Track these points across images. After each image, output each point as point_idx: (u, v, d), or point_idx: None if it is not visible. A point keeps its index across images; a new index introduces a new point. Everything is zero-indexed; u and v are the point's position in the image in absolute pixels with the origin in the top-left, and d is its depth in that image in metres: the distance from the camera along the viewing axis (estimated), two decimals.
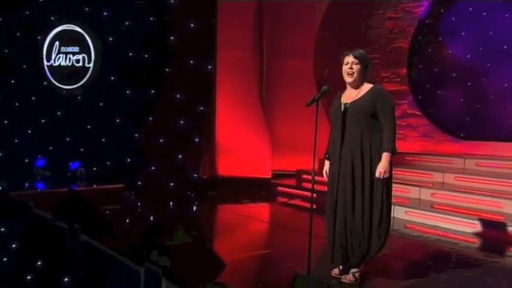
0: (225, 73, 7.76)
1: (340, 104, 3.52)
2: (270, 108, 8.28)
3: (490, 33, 7.77)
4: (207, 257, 3.55)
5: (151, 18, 7.21)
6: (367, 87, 3.49)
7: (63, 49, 7.57)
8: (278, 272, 3.90)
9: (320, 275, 3.41)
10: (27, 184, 7.39)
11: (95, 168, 7.59)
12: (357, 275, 3.47)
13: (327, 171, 3.69)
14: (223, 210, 6.87)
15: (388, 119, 3.38)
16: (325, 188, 7.08)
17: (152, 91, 7.23)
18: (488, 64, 7.77)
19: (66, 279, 3.74)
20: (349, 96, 3.51)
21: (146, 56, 7.26)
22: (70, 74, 7.61)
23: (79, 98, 7.57)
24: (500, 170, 6.26)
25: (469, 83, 8.01)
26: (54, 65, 7.61)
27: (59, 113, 7.64)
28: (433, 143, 7.96)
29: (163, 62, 7.27)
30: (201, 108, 7.50)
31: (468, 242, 4.76)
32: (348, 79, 3.50)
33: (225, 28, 7.73)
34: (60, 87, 7.64)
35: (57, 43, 7.58)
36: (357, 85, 3.50)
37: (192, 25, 7.36)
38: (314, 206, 5.55)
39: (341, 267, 3.54)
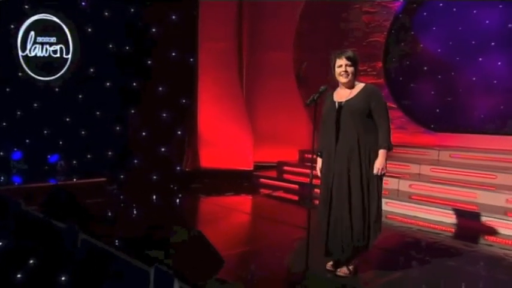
0: (206, 65, 7.72)
1: (334, 102, 3.59)
2: (250, 100, 8.29)
3: (460, 28, 8.01)
4: (206, 254, 3.59)
5: (132, 10, 7.06)
6: (359, 86, 3.59)
7: (39, 39, 7.30)
8: (269, 264, 3.98)
9: (315, 268, 3.54)
10: (2, 178, 7.19)
11: (74, 162, 7.43)
12: (351, 267, 3.59)
13: (320, 168, 3.76)
14: (206, 202, 6.87)
15: (383, 118, 3.49)
16: (307, 180, 7.25)
17: (134, 83, 7.12)
18: (458, 58, 8.02)
19: (63, 278, 3.70)
20: (342, 95, 3.59)
21: (127, 48, 7.12)
22: (47, 65, 7.36)
23: (56, 89, 7.35)
24: (472, 162, 6.54)
25: (439, 76, 8.27)
26: (29, 55, 7.35)
27: (35, 105, 7.41)
28: (408, 134, 8.21)
29: (145, 54, 7.16)
30: (184, 100, 7.47)
31: (447, 231, 4.99)
32: (343, 80, 3.58)
33: (207, 20, 7.67)
34: (36, 79, 7.40)
35: (32, 33, 7.30)
36: (350, 85, 3.60)
37: (173, 17, 7.28)
38: (296, 198, 5.65)
39: (336, 260, 3.67)
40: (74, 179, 7.22)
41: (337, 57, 3.59)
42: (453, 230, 5.07)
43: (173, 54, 7.27)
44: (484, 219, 5.04)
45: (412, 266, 3.90)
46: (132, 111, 7.17)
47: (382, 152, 3.46)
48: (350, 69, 3.55)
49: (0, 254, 4.23)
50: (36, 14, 7.34)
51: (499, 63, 7.62)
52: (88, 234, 3.71)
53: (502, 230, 4.83)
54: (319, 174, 3.78)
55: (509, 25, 7.45)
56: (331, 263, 3.69)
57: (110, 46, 7.20)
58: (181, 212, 6.43)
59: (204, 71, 7.71)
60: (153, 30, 7.14)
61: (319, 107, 3.65)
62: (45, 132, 7.45)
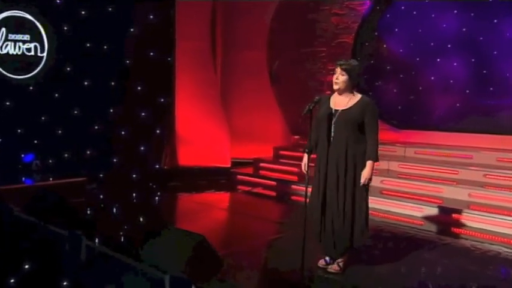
0: (183, 65, 7.76)
1: (331, 108, 3.76)
2: (226, 99, 8.42)
3: (420, 31, 8.43)
4: (206, 255, 3.72)
5: (110, 9, 6.95)
6: (356, 97, 3.75)
7: (11, 36, 7.01)
8: (262, 263, 4.17)
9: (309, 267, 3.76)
10: None
11: (51, 161, 7.27)
12: (341, 264, 3.83)
13: (306, 164, 3.89)
14: (186, 200, 6.98)
15: (373, 131, 3.70)
16: (283, 176, 7.48)
17: (113, 83, 7.05)
18: (418, 59, 8.45)
19: (65, 283, 3.73)
20: (339, 103, 3.76)
21: (106, 47, 7.02)
22: (20, 63, 7.10)
23: (31, 88, 7.13)
24: (435, 158, 6.99)
25: (401, 76, 8.69)
26: (1, 52, 7.06)
27: (8, 103, 7.16)
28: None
29: (124, 53, 7.10)
30: (162, 99, 7.48)
31: (418, 225, 5.38)
32: (334, 87, 3.78)
33: (183, 20, 7.69)
34: (8, 77, 7.13)
35: (3, 30, 7.01)
36: (343, 93, 3.76)
37: (151, 17, 7.24)
38: (273, 194, 5.83)
39: (327, 258, 3.91)
40: (51, 179, 7.09)
41: (336, 65, 3.79)
42: (423, 223, 5.45)
43: (151, 53, 7.25)
44: (450, 212, 5.46)
45: (393, 259, 4.20)
46: (111, 110, 7.09)
47: (369, 163, 3.68)
48: (342, 78, 3.73)
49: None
50: (6, 10, 7.05)
51: (455, 64, 8.09)
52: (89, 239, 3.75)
53: (468, 223, 5.26)
54: (303, 169, 3.90)
55: (464, 29, 7.90)
56: (322, 261, 3.91)
57: (88, 45, 7.06)
58: (162, 211, 6.50)
59: (181, 70, 7.75)
60: (132, 30, 7.07)
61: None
62: (19, 131, 7.19)
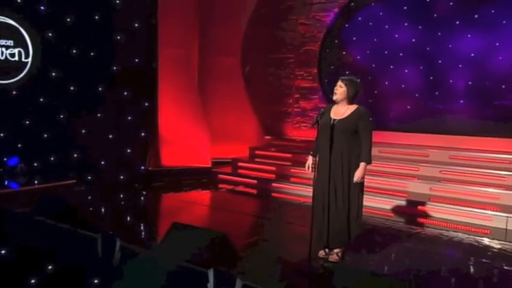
0: (165, 70, 7.87)
1: (331, 118, 4.17)
2: (204, 102, 8.61)
3: (375, 40, 9.08)
4: (225, 249, 4.00)
5: (96, 17, 6.95)
6: (353, 107, 4.19)
7: None
8: (270, 255, 4.52)
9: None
10: None
11: (36, 164, 7.17)
12: (339, 254, 4.28)
13: (309, 166, 4.31)
14: (169, 198, 7.13)
15: (367, 136, 4.15)
16: (260, 175, 7.84)
17: (100, 88, 7.07)
18: (374, 65, 9.08)
19: (96, 281, 3.88)
20: (338, 112, 4.18)
21: (92, 53, 7.02)
22: (4, 68, 6.91)
23: (14, 92, 6.97)
24: (397, 156, 7.62)
25: (359, 80, 9.31)
26: None
27: None
28: None
29: (110, 59, 7.13)
30: (146, 103, 7.58)
31: (391, 217, 5.95)
32: (333, 97, 4.22)
33: (165, 28, 7.80)
34: None
35: None
36: (341, 103, 4.20)
37: (136, 25, 7.31)
38: (254, 192, 6.15)
39: (327, 250, 4.33)
40: (36, 182, 7.01)
41: (338, 80, 4.23)
42: (393, 215, 6.04)
43: (136, 60, 7.33)
44: (415, 205, 6.09)
45: (381, 248, 4.71)
46: (98, 114, 7.11)
47: (362, 165, 4.11)
48: (340, 89, 4.19)
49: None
50: None
51: (406, 70, 8.79)
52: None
53: (431, 213, 5.93)
54: (308, 170, 4.32)
55: (413, 40, 8.59)
56: (322, 252, 4.31)
57: (74, 51, 7.01)
58: (154, 210, 6.67)
59: (164, 76, 7.87)
60: (118, 37, 7.11)
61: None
62: (1, 135, 7.02)
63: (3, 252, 4.42)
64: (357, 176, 4.12)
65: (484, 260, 4.43)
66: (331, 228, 4.19)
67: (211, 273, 3.25)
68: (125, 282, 3.74)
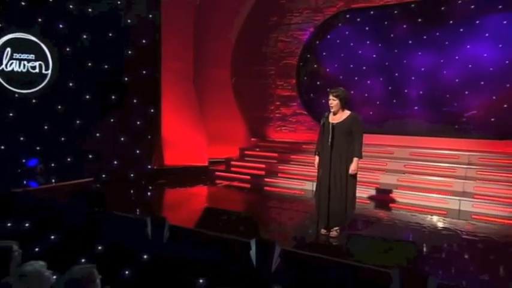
0: (167, 80, 8.60)
1: (329, 123, 5.08)
2: (200, 108, 9.39)
3: (342, 55, 10.08)
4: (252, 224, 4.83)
5: (110, 34, 7.59)
6: (346, 113, 5.10)
7: (16, 55, 7.27)
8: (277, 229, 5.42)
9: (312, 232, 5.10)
10: None
11: (53, 165, 7.66)
12: (338, 231, 5.19)
13: (318, 164, 5.23)
14: (174, 192, 7.88)
15: (359, 136, 5.07)
16: (250, 171, 8.68)
17: (113, 96, 7.70)
18: (341, 77, 10.06)
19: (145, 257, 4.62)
20: (335, 118, 5.09)
21: (106, 66, 7.64)
22: (25, 79, 7.39)
23: (34, 101, 7.46)
24: (368, 154, 8.43)
25: (328, 89, 10.30)
26: (5, 70, 7.27)
27: (11, 114, 7.40)
28: (316, 134, 10.19)
29: (122, 71, 7.78)
30: (152, 110, 8.27)
31: (367, 204, 6.95)
32: (331, 109, 5.13)
33: (167, 43, 8.53)
34: (12, 91, 7.35)
35: (8, 49, 7.23)
36: (338, 112, 5.11)
37: (144, 41, 8.00)
38: (248, 186, 7.02)
39: (325, 231, 5.22)
40: (53, 181, 7.50)
41: (329, 93, 5.12)
42: (369, 202, 7.09)
43: (143, 71, 8.01)
44: (386, 193, 7.19)
45: (369, 227, 5.65)
46: (111, 119, 7.73)
47: (355, 160, 5.03)
48: (334, 102, 5.09)
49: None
50: (11, 32, 7.29)
51: (368, 81, 9.87)
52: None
53: (399, 199, 7.05)
54: (317, 167, 5.24)
55: (374, 55, 9.67)
56: (323, 230, 5.21)
57: (89, 64, 7.61)
58: (172, 201, 7.38)
59: (166, 85, 8.59)
60: (129, 52, 7.77)
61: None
62: (21, 139, 7.47)
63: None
64: (352, 169, 5.03)
65: (444, 232, 5.55)
66: (332, 211, 5.08)
67: (253, 243, 4.07)
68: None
